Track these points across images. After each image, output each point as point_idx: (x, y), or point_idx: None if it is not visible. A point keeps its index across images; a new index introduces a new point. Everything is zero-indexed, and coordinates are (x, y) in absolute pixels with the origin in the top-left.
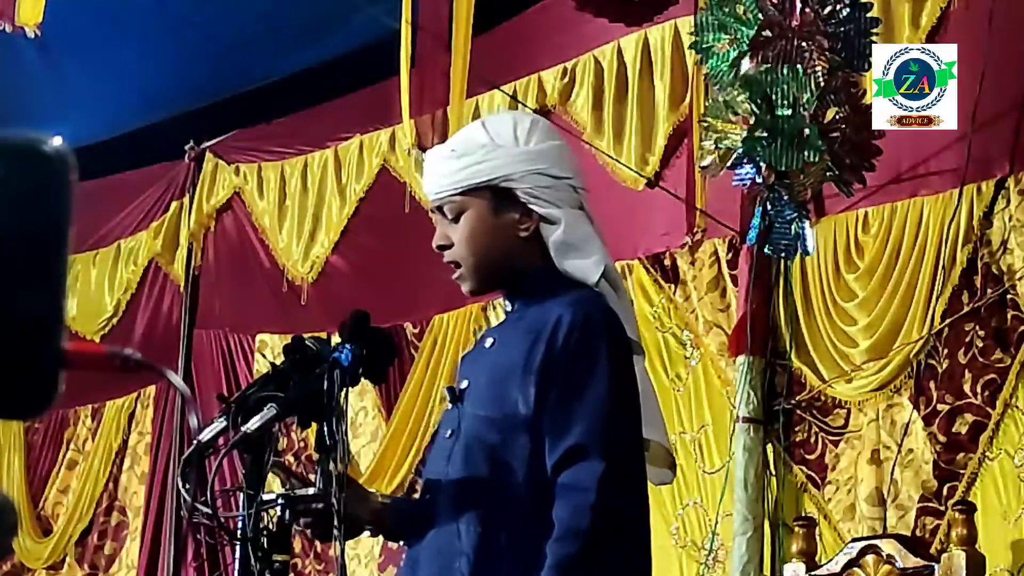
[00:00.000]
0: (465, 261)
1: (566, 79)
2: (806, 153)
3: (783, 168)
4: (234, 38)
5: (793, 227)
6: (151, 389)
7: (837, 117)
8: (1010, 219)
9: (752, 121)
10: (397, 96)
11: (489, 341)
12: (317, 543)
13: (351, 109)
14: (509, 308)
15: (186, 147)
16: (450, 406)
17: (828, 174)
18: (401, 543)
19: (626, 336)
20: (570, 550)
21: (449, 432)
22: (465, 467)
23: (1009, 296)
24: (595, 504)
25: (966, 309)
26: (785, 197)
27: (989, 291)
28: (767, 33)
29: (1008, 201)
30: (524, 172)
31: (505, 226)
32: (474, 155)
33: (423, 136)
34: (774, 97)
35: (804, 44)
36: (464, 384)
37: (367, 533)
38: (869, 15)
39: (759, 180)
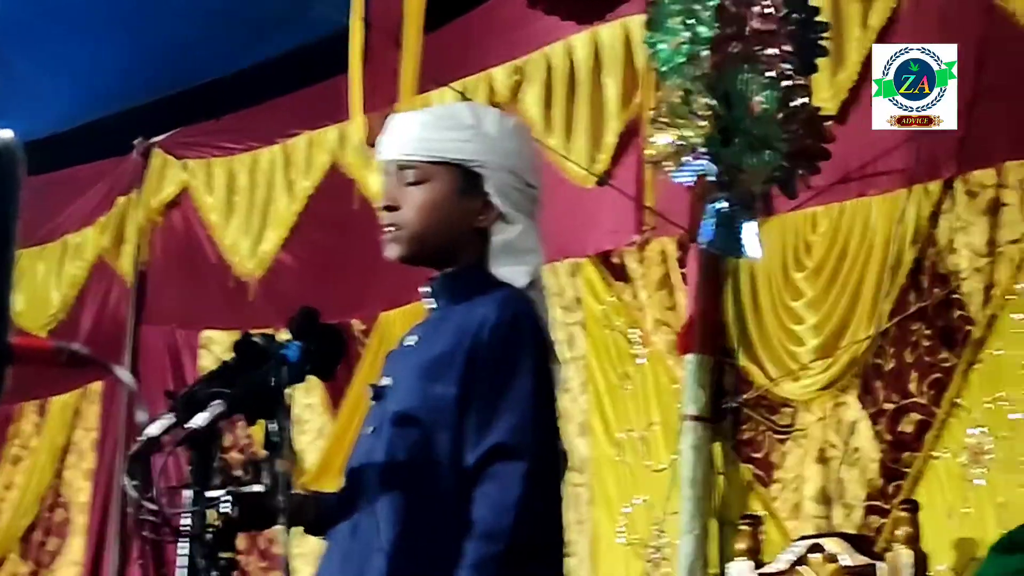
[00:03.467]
0: (409, 227)
1: (517, 77)
2: (765, 154)
3: (743, 167)
4: (183, 34)
5: (742, 227)
6: (97, 385)
7: (789, 119)
8: (956, 219)
9: (712, 119)
10: (347, 93)
11: (413, 339)
12: (261, 541)
13: (301, 106)
14: (433, 306)
15: (134, 142)
16: (373, 403)
17: (775, 175)
18: (318, 536)
19: (550, 338)
20: (492, 549)
21: (371, 428)
22: (386, 463)
23: (955, 296)
24: (517, 503)
25: (912, 309)
26: (735, 197)
27: (935, 291)
28: (726, 31)
29: (954, 202)
30: (499, 166)
31: (464, 211)
32: (459, 131)
33: (373, 133)
34: (733, 96)
35: (762, 45)
36: (387, 381)
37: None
38: (819, 19)
39: (712, 179)
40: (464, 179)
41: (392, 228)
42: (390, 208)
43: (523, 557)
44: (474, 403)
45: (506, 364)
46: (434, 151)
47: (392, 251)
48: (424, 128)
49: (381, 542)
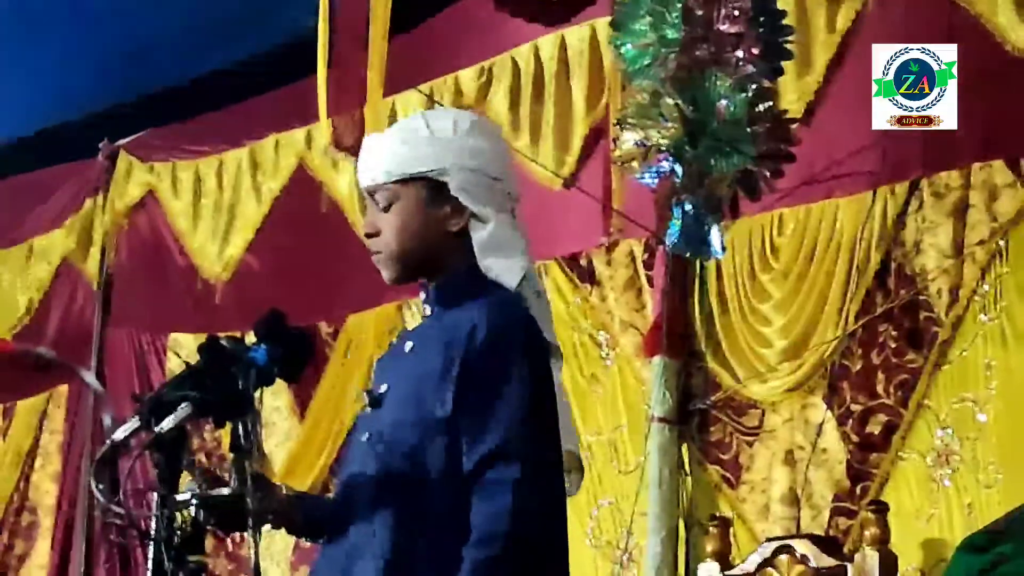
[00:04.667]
0: (390, 250)
1: (483, 79)
2: (733, 156)
3: (710, 169)
4: (150, 36)
5: (709, 229)
6: (63, 388)
7: (755, 121)
8: (923, 221)
9: (679, 121)
10: (314, 95)
11: (408, 345)
12: (229, 543)
13: (267, 108)
14: (428, 311)
15: (99, 145)
16: (368, 410)
17: (740, 177)
18: (306, 540)
19: (543, 340)
20: (487, 554)
21: (367, 435)
22: (382, 470)
23: (922, 297)
24: (512, 508)
25: (879, 310)
26: (702, 199)
27: (902, 292)
28: (693, 33)
29: (921, 203)
30: (459, 167)
31: (435, 220)
32: (414, 144)
33: (340, 135)
34: (700, 99)
35: (729, 48)
36: (383, 388)
37: (269, 525)
38: (785, 22)
39: (678, 180)
40: (430, 189)
41: (378, 254)
42: (371, 235)
43: (520, 560)
44: (468, 410)
45: (498, 369)
46: (395, 170)
47: (385, 275)
48: (382, 150)
49: (378, 548)
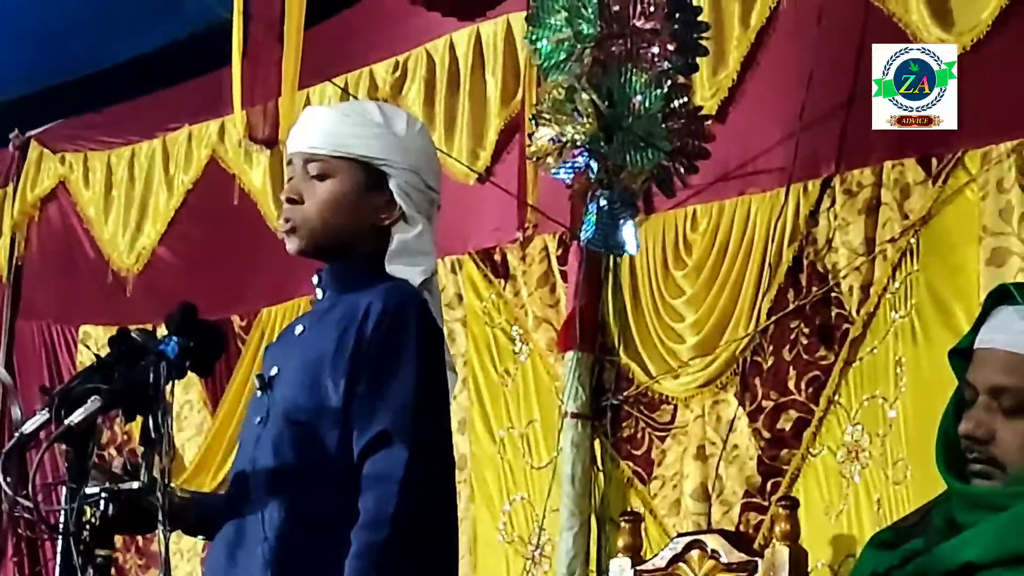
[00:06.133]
0: (310, 223)
1: (398, 72)
2: (647, 152)
3: (625, 164)
4: (62, 24)
5: (623, 224)
6: None
7: (670, 117)
8: (835, 218)
9: (594, 116)
10: (227, 87)
11: (299, 329)
12: (139, 538)
13: (180, 99)
14: (320, 295)
15: (10, 135)
16: (259, 393)
17: (655, 173)
18: (203, 538)
19: (436, 325)
20: (375, 538)
21: (259, 419)
22: (275, 454)
23: (833, 294)
24: (400, 492)
25: (791, 307)
26: (616, 194)
27: (814, 289)
28: (609, 29)
29: (833, 200)
30: (404, 167)
31: (367, 208)
32: (366, 128)
33: (253, 127)
34: (615, 94)
35: (645, 44)
36: (274, 371)
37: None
38: (700, 19)
39: (593, 176)
40: (368, 176)
41: (291, 222)
42: (293, 201)
43: (409, 543)
44: (359, 393)
45: (390, 353)
46: (340, 146)
47: (292, 245)
48: (333, 123)
49: (267, 531)
